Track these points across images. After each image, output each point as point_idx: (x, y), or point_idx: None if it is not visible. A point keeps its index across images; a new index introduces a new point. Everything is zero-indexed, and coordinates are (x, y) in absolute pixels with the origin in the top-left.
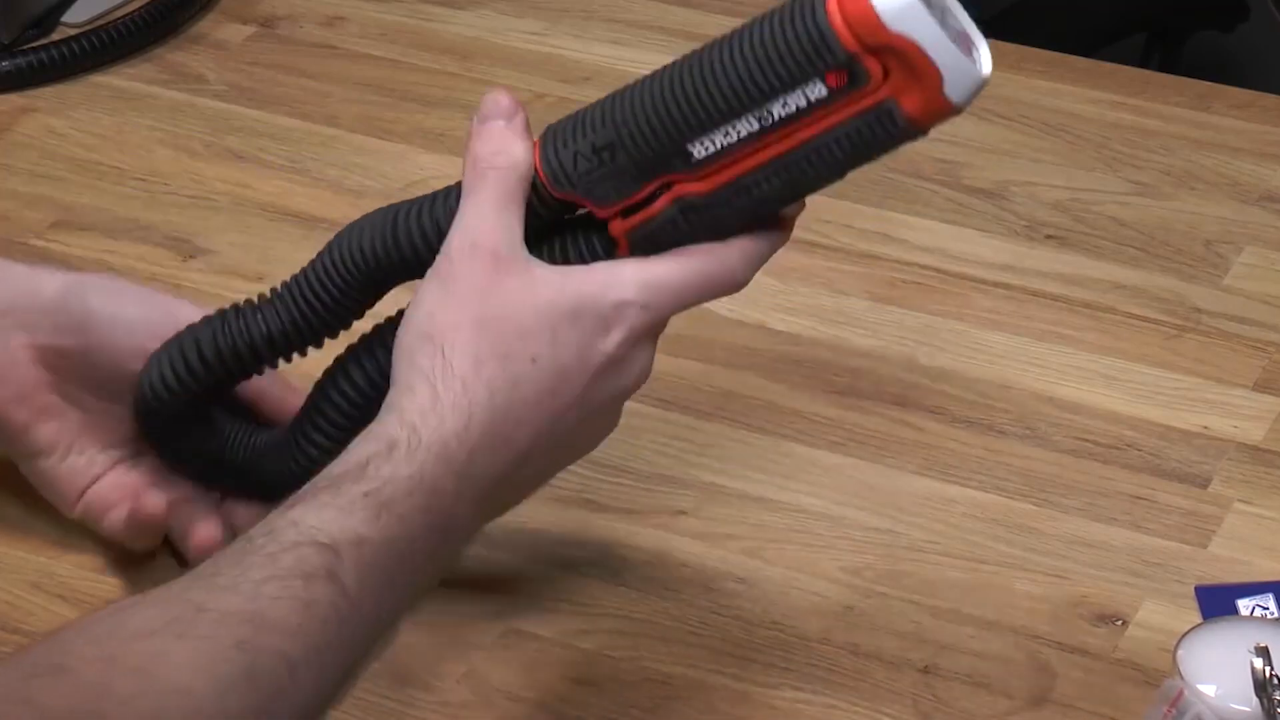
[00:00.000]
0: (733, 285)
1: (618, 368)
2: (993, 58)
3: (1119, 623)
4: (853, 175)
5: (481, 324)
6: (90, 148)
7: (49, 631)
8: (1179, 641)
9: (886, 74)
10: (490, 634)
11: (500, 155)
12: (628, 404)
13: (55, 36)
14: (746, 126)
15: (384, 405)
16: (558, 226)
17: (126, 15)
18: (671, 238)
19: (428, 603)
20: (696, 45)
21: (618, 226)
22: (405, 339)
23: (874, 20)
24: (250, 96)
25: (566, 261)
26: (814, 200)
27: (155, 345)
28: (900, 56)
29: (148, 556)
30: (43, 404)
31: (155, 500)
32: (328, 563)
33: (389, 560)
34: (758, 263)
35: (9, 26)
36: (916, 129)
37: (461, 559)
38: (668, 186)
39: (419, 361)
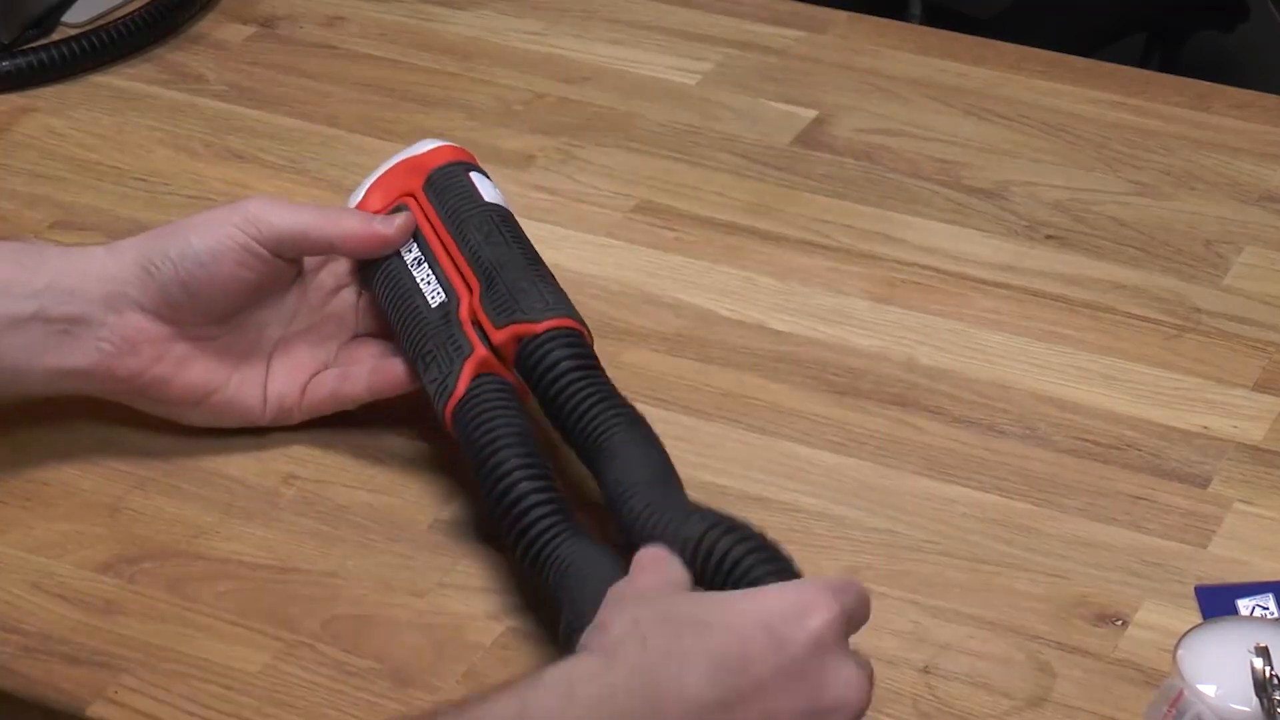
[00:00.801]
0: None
1: (808, 671)
2: (993, 58)
3: (1119, 623)
4: (852, 175)
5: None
6: (90, 148)
7: None
8: (1179, 641)
9: None
10: (490, 634)
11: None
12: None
13: (55, 36)
14: None
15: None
16: None
17: (126, 15)
18: None
19: (428, 602)
20: (696, 45)
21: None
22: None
23: None
24: (250, 96)
25: None
26: (814, 200)
27: (232, 259)
28: None
29: (147, 556)
30: (179, 353)
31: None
32: None
33: None
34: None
35: (9, 26)
36: None
37: None
38: None
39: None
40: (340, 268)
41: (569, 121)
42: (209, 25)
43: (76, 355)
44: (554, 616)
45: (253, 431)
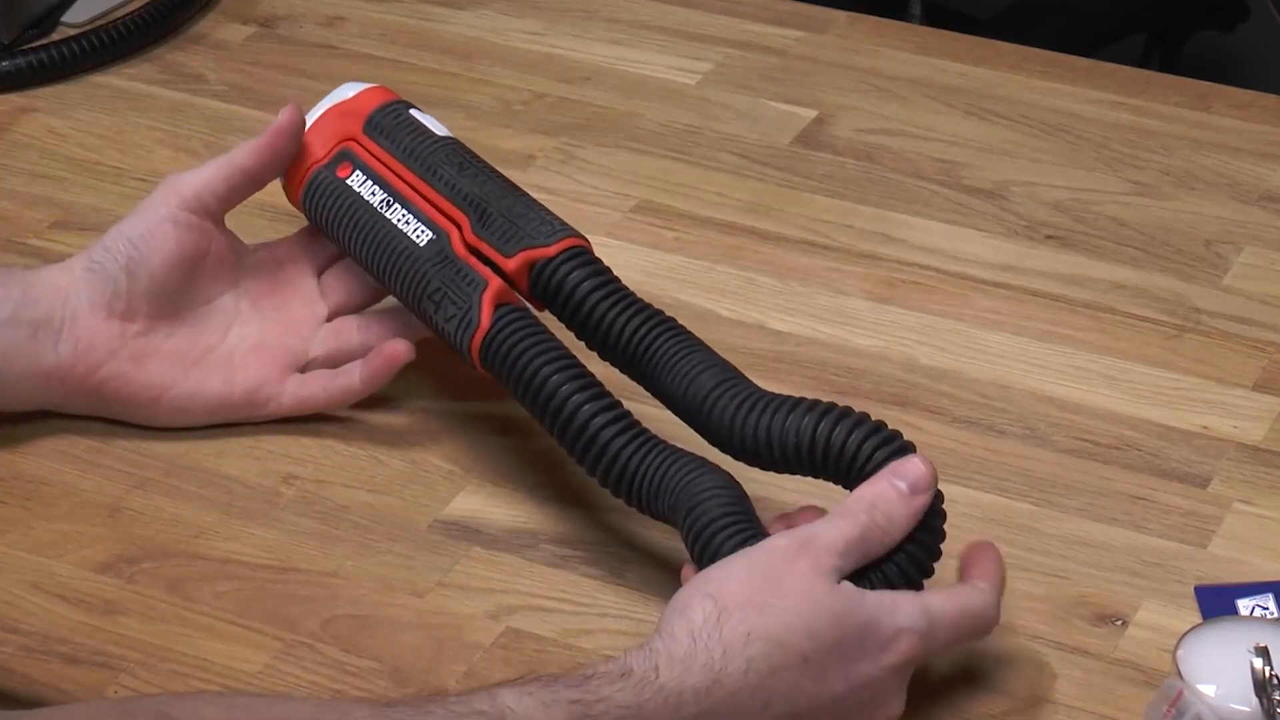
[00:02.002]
0: (990, 621)
1: (876, 693)
2: (993, 58)
3: (1119, 623)
4: (852, 175)
5: (767, 607)
6: (90, 148)
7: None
8: (1179, 641)
9: None
10: (490, 634)
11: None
12: (630, 404)
13: (55, 36)
14: None
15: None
16: None
17: (126, 15)
18: None
19: (428, 602)
20: (696, 45)
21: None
22: (684, 596)
23: None
24: (250, 96)
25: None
26: (814, 200)
27: (163, 233)
28: None
29: (147, 556)
30: (134, 350)
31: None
32: None
33: None
34: (1000, 596)
35: (9, 26)
36: None
37: None
38: None
39: (692, 615)
40: (296, 251)
41: (569, 121)
42: (209, 25)
43: (40, 358)
44: (556, 616)
45: (252, 431)
